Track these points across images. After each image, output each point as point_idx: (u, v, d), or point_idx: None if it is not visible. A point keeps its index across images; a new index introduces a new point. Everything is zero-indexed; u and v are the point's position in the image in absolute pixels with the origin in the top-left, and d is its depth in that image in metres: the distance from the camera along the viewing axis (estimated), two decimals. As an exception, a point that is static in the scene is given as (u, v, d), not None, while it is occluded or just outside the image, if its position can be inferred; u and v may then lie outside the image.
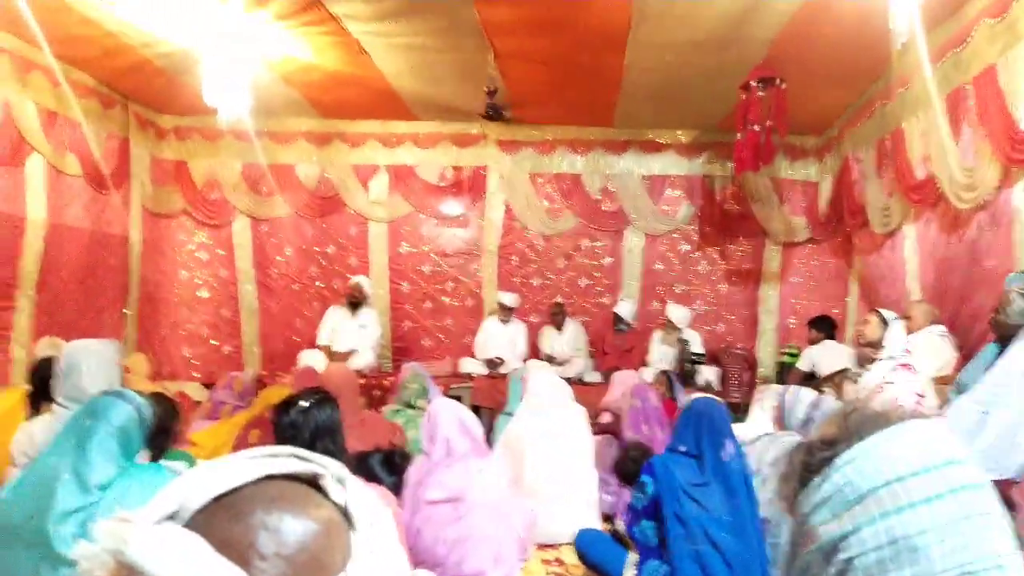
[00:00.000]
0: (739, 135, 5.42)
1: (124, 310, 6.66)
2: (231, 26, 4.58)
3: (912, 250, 5.07)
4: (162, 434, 2.48)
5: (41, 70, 5.19)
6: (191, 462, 3.03)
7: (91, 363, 2.79)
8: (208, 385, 6.14)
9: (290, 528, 0.53)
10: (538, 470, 3.81)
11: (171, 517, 0.53)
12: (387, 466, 3.02)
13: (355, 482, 0.61)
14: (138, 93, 6.40)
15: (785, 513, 0.88)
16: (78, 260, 5.95)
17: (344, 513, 0.58)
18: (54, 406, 2.72)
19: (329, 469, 0.60)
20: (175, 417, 2.84)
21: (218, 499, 0.54)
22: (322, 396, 2.71)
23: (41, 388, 3.20)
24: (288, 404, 2.65)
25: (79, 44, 5.08)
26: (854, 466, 0.77)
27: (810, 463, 0.83)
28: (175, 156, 7.20)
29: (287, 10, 4.40)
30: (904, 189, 4.95)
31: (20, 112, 5.09)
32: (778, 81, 5.09)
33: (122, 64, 5.50)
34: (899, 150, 5.01)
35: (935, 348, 4.16)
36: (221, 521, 0.52)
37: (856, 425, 0.81)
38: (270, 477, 0.57)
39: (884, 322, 3.94)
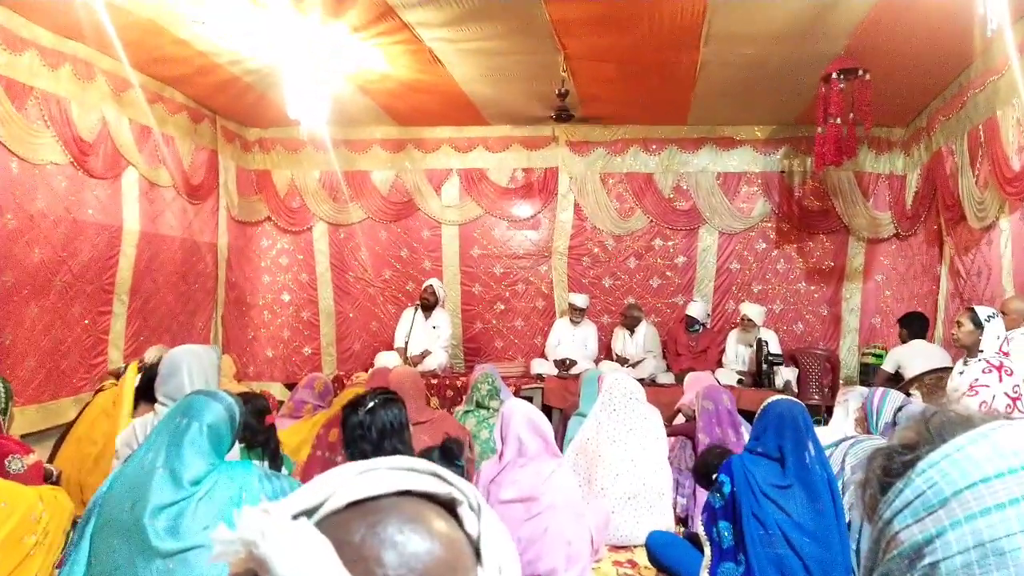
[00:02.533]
0: (820, 129, 5.25)
1: (214, 314, 6.99)
2: (311, 41, 4.75)
3: (1007, 245, 4.80)
4: (250, 430, 2.59)
5: (136, 88, 5.50)
6: (286, 462, 3.16)
7: (192, 366, 2.94)
8: (290, 385, 6.37)
9: (418, 551, 0.52)
10: (612, 471, 3.79)
11: (310, 511, 0.54)
12: (445, 458, 3.02)
13: (491, 514, 0.59)
14: (226, 108, 6.72)
15: (864, 519, 0.86)
16: (170, 267, 6.29)
17: (475, 546, 0.57)
18: (156, 405, 2.88)
19: (468, 496, 0.58)
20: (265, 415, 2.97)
21: (356, 503, 0.54)
22: (388, 396, 2.75)
23: (145, 389, 3.40)
24: (355, 405, 2.71)
25: (173, 64, 5.38)
26: (937, 469, 0.75)
27: (890, 468, 0.81)
28: (259, 167, 7.52)
29: (362, 21, 4.53)
30: (999, 181, 4.69)
31: (117, 128, 5.42)
32: (861, 72, 4.91)
33: (212, 81, 5.79)
34: (993, 140, 4.75)
35: (1033, 348, 3.91)
36: (355, 527, 0.52)
37: (937, 428, 0.78)
38: (410, 493, 0.56)
39: (978, 324, 3.72)
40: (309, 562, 0.48)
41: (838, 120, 5.09)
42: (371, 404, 2.68)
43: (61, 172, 4.95)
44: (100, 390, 4.04)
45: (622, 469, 3.78)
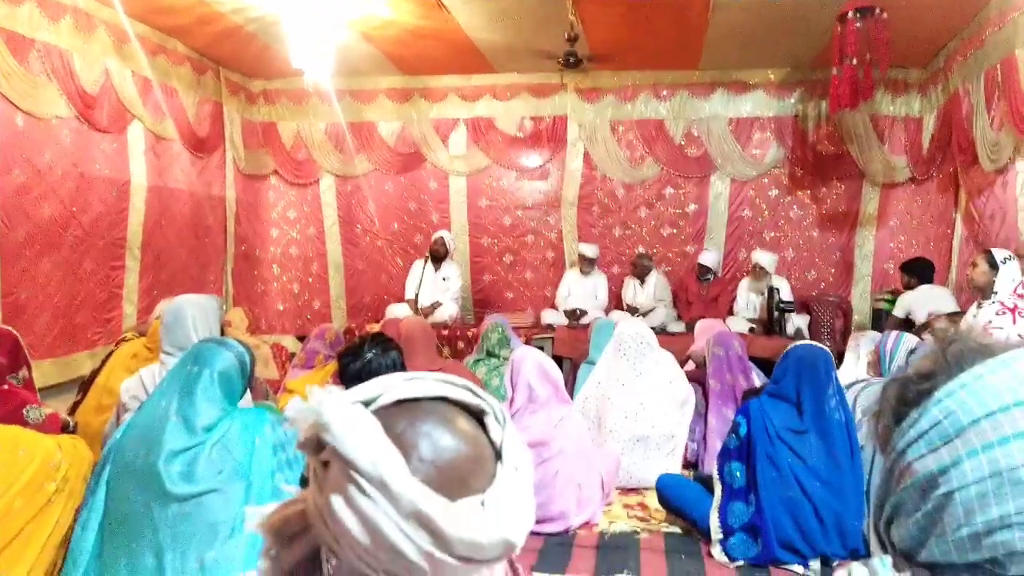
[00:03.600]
0: (835, 71, 5.11)
1: (225, 268, 7.01)
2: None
3: (1023, 188, 4.71)
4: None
5: (137, 40, 5.41)
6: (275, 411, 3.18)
7: (195, 314, 2.95)
8: (301, 337, 6.42)
9: (448, 444, 0.63)
10: (620, 413, 3.82)
11: (366, 403, 0.65)
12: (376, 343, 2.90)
13: (513, 427, 0.70)
14: (229, 59, 6.61)
15: (877, 451, 0.85)
16: (179, 221, 6.28)
17: (497, 449, 0.67)
18: (161, 354, 2.90)
19: (495, 409, 0.69)
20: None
21: (403, 402, 0.65)
22: (384, 344, 2.72)
23: None
24: (352, 353, 2.68)
25: (174, 13, 5.28)
26: (954, 398, 0.74)
27: (906, 397, 0.79)
28: (264, 119, 7.44)
29: (363, -36, 4.42)
30: (1015, 121, 4.58)
31: (120, 81, 5.35)
32: (878, 10, 4.75)
33: (214, 31, 5.69)
34: (1010, 80, 4.62)
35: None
36: (399, 419, 0.64)
37: (955, 357, 0.77)
38: (447, 400, 0.67)
39: (994, 265, 3.69)
40: (362, 430, 0.60)
41: (854, 61, 4.94)
42: (369, 355, 2.64)
43: (66, 126, 4.91)
44: (123, 340, 4.05)
45: (631, 411, 3.80)
